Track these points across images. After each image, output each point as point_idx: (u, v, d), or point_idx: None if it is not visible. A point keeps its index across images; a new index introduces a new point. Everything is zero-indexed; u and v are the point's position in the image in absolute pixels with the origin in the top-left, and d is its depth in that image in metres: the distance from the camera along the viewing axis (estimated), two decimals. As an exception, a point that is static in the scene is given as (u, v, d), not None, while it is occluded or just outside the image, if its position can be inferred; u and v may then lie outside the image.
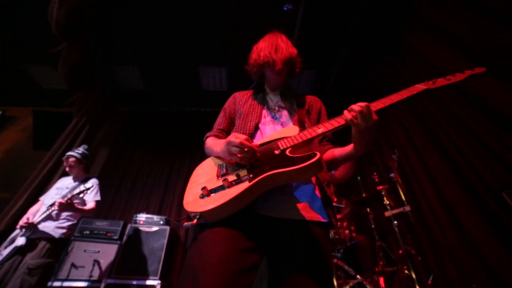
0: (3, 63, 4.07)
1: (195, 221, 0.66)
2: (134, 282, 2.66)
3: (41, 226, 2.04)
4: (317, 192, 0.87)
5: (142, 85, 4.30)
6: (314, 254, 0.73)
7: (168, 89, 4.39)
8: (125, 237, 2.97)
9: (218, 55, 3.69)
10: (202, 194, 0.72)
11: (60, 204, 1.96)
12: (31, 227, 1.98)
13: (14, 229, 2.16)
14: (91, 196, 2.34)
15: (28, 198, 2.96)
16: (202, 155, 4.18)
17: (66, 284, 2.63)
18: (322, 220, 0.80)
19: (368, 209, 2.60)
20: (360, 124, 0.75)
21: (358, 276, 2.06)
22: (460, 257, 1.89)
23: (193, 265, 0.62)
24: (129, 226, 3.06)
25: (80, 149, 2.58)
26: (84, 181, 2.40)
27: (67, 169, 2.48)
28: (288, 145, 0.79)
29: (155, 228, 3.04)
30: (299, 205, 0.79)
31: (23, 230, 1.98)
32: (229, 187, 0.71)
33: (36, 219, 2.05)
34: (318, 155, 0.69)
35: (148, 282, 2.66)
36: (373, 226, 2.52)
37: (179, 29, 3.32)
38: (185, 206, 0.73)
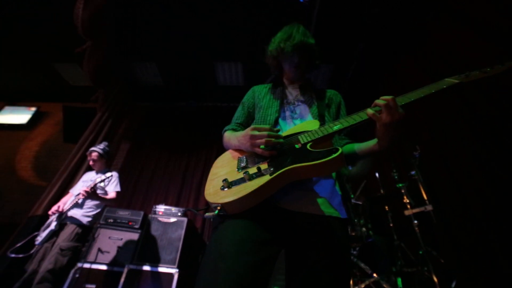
0: (36, 62, 4.39)
1: (216, 212, 0.68)
2: (154, 269, 2.80)
3: (70, 213, 2.27)
4: (337, 188, 0.87)
5: (160, 81, 4.44)
6: (332, 249, 0.72)
7: (186, 85, 4.50)
8: (145, 227, 3.13)
9: (234, 51, 3.71)
10: (223, 186, 0.73)
11: (86, 192, 2.15)
12: (61, 214, 2.21)
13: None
14: (112, 187, 2.53)
15: (61, 187, 3.20)
16: (219, 150, 4.27)
17: (94, 266, 2.85)
18: (340, 216, 0.80)
19: (386, 207, 2.52)
20: (385, 118, 0.71)
21: (374, 275, 2.02)
22: (486, 262, 1.77)
23: (213, 254, 0.65)
24: (149, 216, 3.22)
25: (102, 145, 2.78)
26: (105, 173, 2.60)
27: (90, 163, 2.70)
28: (309, 139, 0.78)
29: (173, 219, 3.17)
30: (319, 200, 0.79)
31: (55, 216, 2.20)
32: (249, 179, 0.71)
33: (65, 207, 2.27)
34: (340, 150, 0.68)
35: (167, 270, 2.79)
36: (391, 225, 2.44)
37: (195, 25, 3.37)
38: (207, 197, 0.74)
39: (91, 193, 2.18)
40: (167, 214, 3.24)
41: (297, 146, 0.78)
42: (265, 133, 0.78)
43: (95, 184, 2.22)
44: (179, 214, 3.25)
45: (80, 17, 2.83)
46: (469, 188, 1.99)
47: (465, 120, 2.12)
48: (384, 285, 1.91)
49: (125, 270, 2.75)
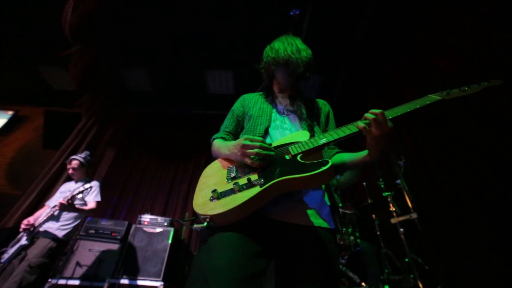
0: (16, 64, 4.21)
1: (205, 224, 0.67)
2: (137, 283, 2.66)
3: (45, 227, 2.13)
4: (326, 199, 0.88)
5: (149, 88, 4.38)
6: (322, 259, 0.73)
7: (175, 92, 4.46)
8: (129, 237, 2.99)
9: (224, 59, 3.74)
10: (212, 197, 0.72)
11: (61, 204, 2.02)
12: (32, 229, 2.08)
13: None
14: (91, 197, 2.43)
15: (37, 196, 3.03)
16: (208, 158, 4.24)
17: (70, 282, 2.67)
18: (329, 227, 0.81)
19: (373, 215, 2.56)
20: (375, 132, 0.74)
21: (363, 284, 2.02)
22: (469, 268, 1.84)
23: (202, 269, 0.63)
24: (133, 226, 3.09)
25: (83, 154, 2.70)
26: (85, 183, 2.48)
27: (70, 171, 2.58)
28: (300, 151, 0.79)
29: (159, 229, 3.06)
30: (309, 211, 0.79)
31: (26, 231, 2.06)
32: (239, 191, 0.71)
33: (39, 220, 2.14)
34: (330, 163, 0.69)
35: (151, 283, 2.66)
36: (378, 233, 2.48)
37: (187, 33, 3.39)
38: (195, 208, 0.73)
39: (68, 205, 2.04)
40: (152, 224, 3.12)
41: (287, 157, 0.79)
42: (257, 144, 0.78)
43: (73, 196, 2.09)
44: (165, 224, 3.14)
45: (68, 21, 2.78)
46: (453, 196, 2.08)
47: (447, 131, 2.24)
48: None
49: (106, 286, 2.60)
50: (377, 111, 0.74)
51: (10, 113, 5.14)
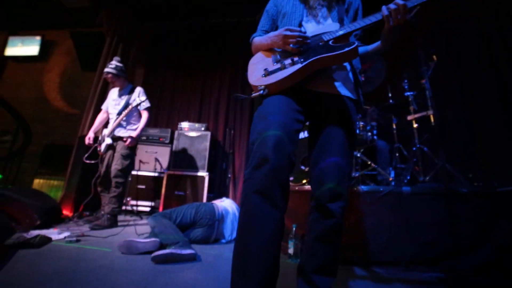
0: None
1: (261, 91, 0.92)
2: (188, 173, 3.43)
3: (116, 132, 2.65)
4: (350, 76, 1.07)
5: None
6: (345, 117, 0.98)
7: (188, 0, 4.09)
8: (174, 141, 3.62)
9: None
10: (263, 74, 0.96)
11: (132, 141, 2.56)
12: (111, 132, 2.63)
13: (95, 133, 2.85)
14: (142, 104, 2.67)
15: (94, 114, 3.56)
16: (233, 69, 4.30)
17: (140, 173, 3.53)
18: (352, 97, 1.03)
19: (392, 115, 2.71)
20: (392, 20, 0.84)
21: (372, 164, 2.40)
22: (468, 156, 2.09)
23: (262, 113, 0.92)
24: (176, 132, 3.66)
25: (113, 63, 2.73)
26: (131, 91, 2.76)
27: (110, 83, 2.86)
28: (331, 37, 0.94)
29: (198, 134, 3.61)
30: (336, 84, 1.01)
31: (107, 133, 2.64)
32: (285, 68, 0.93)
33: (109, 130, 2.64)
34: (356, 44, 0.86)
35: (199, 174, 3.41)
36: (394, 131, 2.69)
37: None
38: (253, 83, 0.98)
39: (135, 140, 2.61)
40: (192, 129, 3.67)
41: (321, 43, 0.95)
42: (296, 33, 0.94)
43: (131, 109, 2.54)
44: (203, 129, 3.66)
45: None
46: (471, 100, 2.10)
47: (483, 37, 2.01)
48: (381, 172, 2.32)
49: (165, 175, 3.41)
50: (400, 2, 0.82)
51: (39, 38, 5.31)
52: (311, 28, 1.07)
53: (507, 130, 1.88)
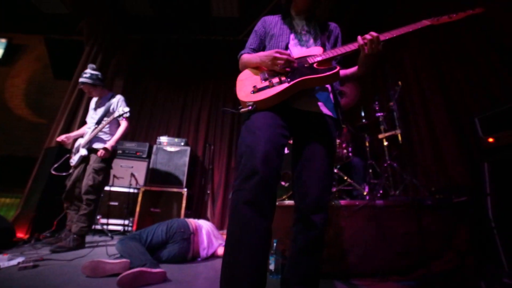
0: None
1: (249, 107, 0.98)
2: (166, 189, 3.30)
3: (93, 143, 2.47)
4: (331, 97, 1.17)
5: (150, 11, 4.09)
6: (325, 134, 1.06)
7: (178, 15, 4.18)
8: (152, 156, 3.50)
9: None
10: (253, 90, 1.02)
11: (105, 153, 2.38)
12: (87, 143, 2.46)
13: (63, 144, 2.67)
14: (120, 110, 2.50)
15: (65, 122, 3.36)
16: (215, 85, 4.37)
17: (113, 188, 3.32)
18: (333, 116, 1.12)
19: (365, 134, 2.92)
20: (368, 50, 0.97)
21: (348, 180, 2.53)
22: (430, 171, 2.33)
23: (250, 128, 0.97)
24: (154, 146, 3.56)
25: (88, 72, 2.54)
26: (110, 99, 2.62)
27: (87, 94, 2.66)
28: (315, 61, 1.04)
29: (177, 148, 3.53)
30: (319, 103, 1.09)
31: (83, 143, 2.45)
32: (273, 86, 1.00)
33: (86, 139, 2.46)
34: (338, 67, 0.97)
35: (177, 190, 3.30)
36: (367, 149, 2.89)
37: None
38: (242, 98, 1.03)
39: (110, 151, 2.44)
40: (171, 144, 3.58)
41: (306, 65, 1.05)
42: (285, 56, 1.03)
43: (113, 118, 2.40)
44: (182, 144, 3.60)
45: None
46: (433, 120, 2.39)
47: (445, 63, 2.36)
48: (357, 187, 2.45)
49: (141, 191, 3.24)
50: (374, 34, 0.95)
51: (3, 40, 4.97)
52: (296, 50, 1.17)
53: (458, 150, 2.15)
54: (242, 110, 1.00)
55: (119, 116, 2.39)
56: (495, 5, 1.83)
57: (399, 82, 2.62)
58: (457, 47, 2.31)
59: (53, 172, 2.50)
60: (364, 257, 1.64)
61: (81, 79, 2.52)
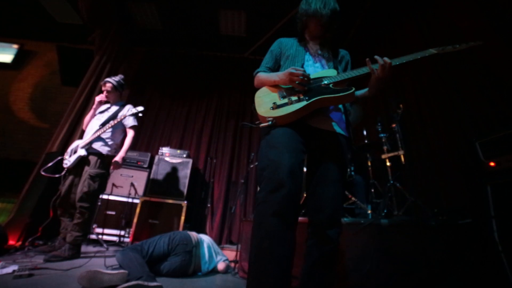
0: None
1: (269, 122, 1.02)
2: (166, 201, 3.24)
3: (94, 144, 2.42)
4: (343, 117, 1.23)
5: (159, 25, 4.28)
6: (338, 152, 1.10)
7: (186, 31, 4.37)
8: (154, 166, 3.47)
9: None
10: (272, 107, 1.06)
11: (116, 165, 2.42)
12: (87, 143, 2.40)
13: (64, 151, 2.63)
14: (129, 120, 2.58)
15: (68, 129, 3.34)
16: (219, 99, 4.45)
17: (111, 197, 3.25)
18: (345, 135, 1.16)
19: (368, 154, 2.97)
20: (379, 74, 1.03)
21: (352, 198, 2.55)
22: (432, 192, 2.36)
23: (272, 143, 1.00)
24: (156, 157, 3.54)
25: (117, 78, 2.73)
26: (121, 107, 2.65)
27: (104, 93, 2.65)
28: (332, 81, 1.10)
29: (179, 160, 3.53)
30: (333, 123, 1.14)
31: (83, 144, 2.39)
32: (292, 103, 1.05)
33: (86, 140, 2.41)
34: (353, 88, 1.03)
35: (177, 202, 3.24)
36: (370, 168, 2.93)
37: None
38: (262, 114, 1.06)
39: (120, 164, 2.46)
40: (173, 155, 3.57)
41: (323, 85, 1.11)
42: (300, 72, 1.08)
43: (123, 117, 2.43)
44: (184, 156, 3.59)
45: None
46: (435, 141, 2.47)
47: (446, 88, 2.49)
48: (360, 205, 2.46)
49: (140, 201, 3.18)
50: (386, 60, 1.02)
51: (16, 47, 5.09)
52: (311, 71, 1.23)
53: (458, 173, 2.21)
54: (262, 125, 1.04)
55: (132, 115, 2.42)
56: (491, 40, 1.98)
57: (401, 105, 2.72)
58: (456, 75, 2.43)
59: (43, 173, 2.45)
60: (369, 276, 1.62)
61: (108, 79, 2.67)
